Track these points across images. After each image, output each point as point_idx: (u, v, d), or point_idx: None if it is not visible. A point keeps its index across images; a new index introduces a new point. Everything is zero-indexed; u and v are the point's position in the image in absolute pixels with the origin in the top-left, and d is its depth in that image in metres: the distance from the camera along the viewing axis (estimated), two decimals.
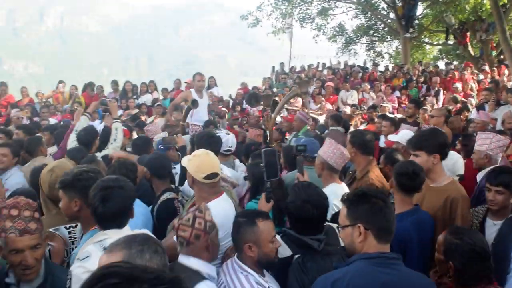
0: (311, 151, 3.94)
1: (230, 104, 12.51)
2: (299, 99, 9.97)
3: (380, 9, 22.47)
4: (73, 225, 2.95)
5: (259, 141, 6.06)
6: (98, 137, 5.08)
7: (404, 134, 4.80)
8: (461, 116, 8.51)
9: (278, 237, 2.60)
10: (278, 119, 8.26)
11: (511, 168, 3.45)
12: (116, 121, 5.19)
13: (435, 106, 10.50)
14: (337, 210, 3.08)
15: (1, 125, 8.42)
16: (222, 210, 2.73)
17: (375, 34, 24.75)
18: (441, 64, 22.49)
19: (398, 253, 2.12)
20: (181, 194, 3.34)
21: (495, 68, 15.98)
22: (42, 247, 2.27)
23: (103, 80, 13.68)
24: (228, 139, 4.51)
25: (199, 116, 7.15)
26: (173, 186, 3.72)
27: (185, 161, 2.93)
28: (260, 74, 18.02)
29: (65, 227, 2.94)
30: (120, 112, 10.18)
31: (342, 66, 17.56)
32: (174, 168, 4.18)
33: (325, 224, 2.68)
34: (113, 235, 2.27)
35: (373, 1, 22.44)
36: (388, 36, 24.56)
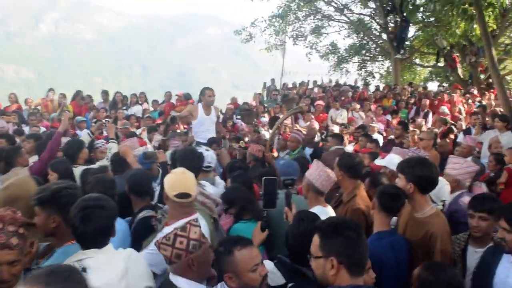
0: (286, 173, 3.95)
1: (221, 119, 12.49)
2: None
3: (372, 29, 22.74)
4: None
5: (260, 157, 6.03)
6: (84, 149, 5.03)
7: (391, 159, 4.78)
8: (447, 139, 8.59)
9: (269, 263, 2.57)
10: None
11: (493, 195, 3.48)
12: (112, 141, 5.20)
13: (424, 128, 10.57)
14: None
15: None
16: None
17: (367, 53, 25.00)
18: (432, 86, 22.82)
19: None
20: (161, 211, 3.29)
21: (485, 92, 16.25)
22: (20, 264, 2.19)
23: (96, 89, 13.64)
24: (208, 155, 4.48)
25: (204, 134, 6.94)
26: (152, 203, 3.65)
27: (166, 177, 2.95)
28: (252, 88, 18.09)
29: None
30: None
31: (333, 84, 17.69)
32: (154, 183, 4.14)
33: None
34: (93, 255, 2.29)
35: (365, 22, 22.75)
36: (380, 56, 24.82)
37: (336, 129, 9.26)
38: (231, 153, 7.42)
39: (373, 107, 12.45)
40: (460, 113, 12.53)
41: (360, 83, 20.35)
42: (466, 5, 8.70)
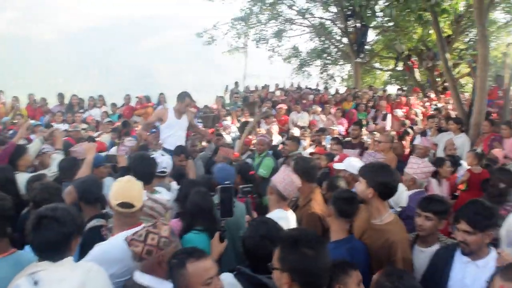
0: (221, 178, 3.96)
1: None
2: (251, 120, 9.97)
3: (333, 33, 23.06)
4: None
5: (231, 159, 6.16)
6: (26, 156, 4.84)
7: (350, 162, 4.80)
8: (404, 141, 8.77)
9: (228, 275, 2.48)
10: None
11: (443, 197, 3.54)
12: (57, 152, 5.04)
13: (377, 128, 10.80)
14: None
15: None
16: (123, 243, 2.50)
17: (328, 57, 25.31)
18: (392, 89, 23.35)
19: None
20: (112, 220, 3.17)
21: (441, 95, 16.78)
22: None
23: (55, 91, 13.17)
24: (163, 161, 4.39)
25: (171, 139, 6.36)
26: (103, 211, 3.50)
27: None
28: (216, 91, 17.93)
29: None
30: (66, 126, 9.83)
31: (295, 88, 17.83)
32: None
33: None
34: (46, 267, 2.16)
35: (327, 26, 23.05)
36: (341, 60, 25.21)
37: (296, 132, 9.31)
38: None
39: (333, 110, 12.60)
40: (416, 115, 12.86)
41: (321, 87, 20.61)
42: (422, 11, 8.93)
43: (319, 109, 12.72)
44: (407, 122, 11.36)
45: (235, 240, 3.42)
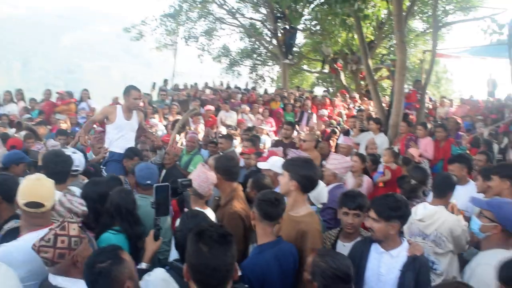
0: (142, 177, 3.91)
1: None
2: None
3: (263, 34, 23.33)
4: None
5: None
6: None
7: (275, 161, 4.79)
8: (331, 141, 9.08)
9: (160, 270, 2.45)
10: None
11: (360, 192, 3.69)
12: None
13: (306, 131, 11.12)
14: None
15: None
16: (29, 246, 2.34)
17: (258, 57, 25.56)
18: (319, 91, 24.07)
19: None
20: None
21: (364, 98, 17.53)
22: None
23: None
24: (75, 159, 4.17)
25: (119, 142, 5.54)
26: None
27: None
28: (145, 89, 17.48)
29: None
30: None
31: (225, 87, 17.84)
32: None
33: None
34: None
35: (257, 27, 23.28)
36: (270, 61, 25.52)
37: (223, 130, 9.33)
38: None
39: (260, 109, 12.76)
40: (340, 116, 13.37)
41: (251, 86, 20.79)
42: (346, 16, 9.27)
43: (248, 108, 12.83)
44: (334, 122, 11.78)
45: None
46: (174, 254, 2.82)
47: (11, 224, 2.98)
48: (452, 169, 4.90)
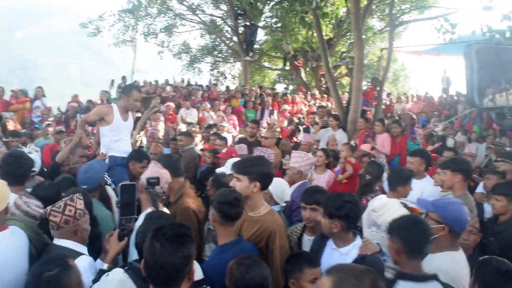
0: (78, 180, 3.73)
1: (63, 118, 11.52)
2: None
3: (224, 31, 23.26)
4: None
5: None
6: None
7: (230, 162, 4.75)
8: (295, 137, 9.17)
9: (118, 271, 2.40)
10: None
11: (322, 188, 3.75)
12: None
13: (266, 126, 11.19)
14: None
15: None
16: None
17: (219, 54, 25.49)
18: (280, 88, 24.23)
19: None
20: None
21: (323, 95, 17.77)
22: None
23: None
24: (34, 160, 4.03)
25: (117, 144, 5.14)
26: None
27: None
28: (104, 86, 17.14)
29: None
30: None
31: (186, 84, 17.70)
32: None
33: None
34: None
35: (217, 23, 23.19)
36: (231, 58, 25.48)
37: (183, 128, 9.25)
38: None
39: (222, 106, 12.73)
40: (301, 112, 13.52)
41: (212, 83, 20.71)
42: (305, 14, 9.35)
43: (209, 105, 12.78)
44: (296, 119, 11.89)
45: None
46: (134, 255, 2.77)
47: None
48: (412, 161, 5.04)
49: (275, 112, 13.43)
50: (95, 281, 2.50)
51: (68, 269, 2.14)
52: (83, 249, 2.66)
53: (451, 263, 2.68)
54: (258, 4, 15.43)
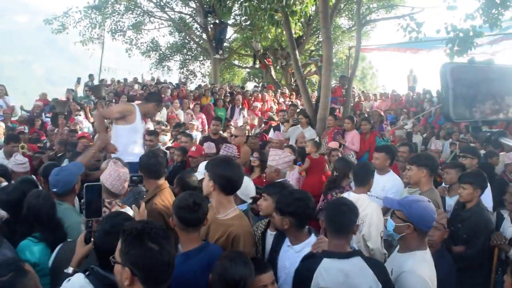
0: (49, 183, 3.53)
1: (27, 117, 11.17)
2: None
3: (193, 29, 23.08)
4: None
5: None
6: None
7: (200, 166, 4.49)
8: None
9: (79, 277, 2.28)
10: None
11: (284, 183, 3.75)
12: None
13: (239, 125, 11.16)
14: None
15: None
16: None
17: (188, 52, 25.27)
18: (250, 86, 24.23)
19: None
20: None
21: (293, 92, 17.88)
22: None
23: None
24: None
25: (133, 147, 4.89)
26: None
27: None
28: (70, 84, 16.75)
29: None
30: None
31: (155, 82, 17.48)
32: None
33: None
34: None
35: (187, 21, 22.99)
36: (201, 56, 25.32)
37: (151, 126, 9.13)
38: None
39: (191, 105, 12.64)
40: (271, 110, 13.56)
41: (181, 81, 20.54)
42: (274, 12, 9.35)
43: (178, 104, 12.66)
44: (268, 116, 11.90)
45: None
46: None
47: None
48: (378, 157, 5.18)
49: (246, 110, 13.42)
50: (57, 286, 2.41)
51: (23, 274, 2.02)
52: None
53: (420, 263, 2.66)
54: (227, 1, 15.38)
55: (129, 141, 4.89)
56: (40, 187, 3.99)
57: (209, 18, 19.78)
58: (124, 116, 4.90)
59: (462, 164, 5.42)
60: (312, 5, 10.28)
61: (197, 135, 9.56)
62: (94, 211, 2.67)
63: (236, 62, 26.72)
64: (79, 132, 8.76)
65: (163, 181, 3.76)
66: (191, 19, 22.92)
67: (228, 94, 14.83)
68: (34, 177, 4.29)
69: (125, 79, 17.34)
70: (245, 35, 20.65)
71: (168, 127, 9.94)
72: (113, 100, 12.56)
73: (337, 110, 10.57)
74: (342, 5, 19.83)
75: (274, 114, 12.90)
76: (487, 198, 4.75)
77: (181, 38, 24.39)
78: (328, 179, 5.27)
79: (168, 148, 7.68)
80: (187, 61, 25.68)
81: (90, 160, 4.57)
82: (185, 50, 24.97)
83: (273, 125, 10.31)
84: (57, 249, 2.88)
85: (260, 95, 15.35)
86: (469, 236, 4.04)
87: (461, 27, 8.29)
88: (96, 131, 5.43)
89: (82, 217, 3.23)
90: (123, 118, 4.89)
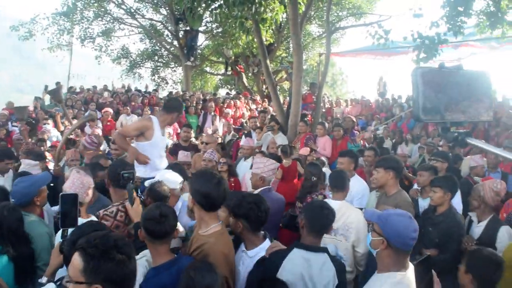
0: (12, 194, 3.40)
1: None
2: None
3: (164, 36, 22.95)
4: None
5: None
6: None
7: (164, 175, 4.15)
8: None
9: (51, 285, 2.27)
10: None
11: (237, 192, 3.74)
12: None
13: (210, 132, 11.13)
14: None
15: None
16: None
17: (159, 59, 25.10)
18: (223, 93, 24.22)
19: None
20: None
21: (265, 99, 17.95)
22: None
23: None
24: None
25: (154, 162, 4.71)
26: None
27: None
28: (38, 92, 16.39)
29: None
30: None
31: (125, 90, 17.30)
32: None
33: None
34: None
35: (158, 28, 22.84)
36: (172, 63, 25.18)
37: None
38: None
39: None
40: (243, 117, 13.59)
41: (152, 89, 20.36)
42: (244, 19, 9.39)
43: (149, 111, 12.55)
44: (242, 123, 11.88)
45: None
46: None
47: None
48: (342, 161, 5.32)
49: (218, 117, 13.40)
50: None
51: None
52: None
53: (394, 286, 2.36)
54: (198, 9, 15.35)
55: (153, 156, 4.73)
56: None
57: (180, 25, 19.71)
58: (142, 132, 4.74)
59: (434, 167, 5.55)
60: (283, 13, 10.36)
61: (169, 142, 9.48)
62: (70, 221, 2.62)
63: (208, 69, 26.68)
64: (46, 141, 8.59)
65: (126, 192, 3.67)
66: (162, 26, 22.78)
67: (201, 101, 14.78)
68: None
69: (94, 87, 17.07)
70: (216, 42, 20.65)
71: None
72: (82, 108, 12.35)
73: (309, 116, 10.66)
74: (313, 13, 20.08)
75: (247, 121, 12.95)
76: (457, 202, 4.89)
77: (152, 45, 24.23)
78: (303, 183, 5.28)
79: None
80: (159, 68, 25.49)
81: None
82: (156, 57, 24.81)
83: (245, 132, 10.32)
84: None
85: (232, 101, 15.36)
86: (442, 241, 4.10)
87: (426, 35, 8.54)
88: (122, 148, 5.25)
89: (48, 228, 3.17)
90: (142, 135, 4.75)
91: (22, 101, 15.65)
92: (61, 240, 2.60)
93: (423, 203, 5.13)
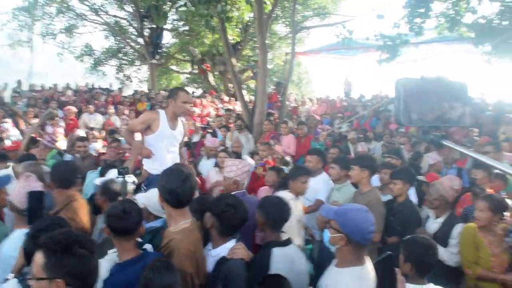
0: None
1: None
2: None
3: (129, 33, 22.59)
4: None
5: None
6: None
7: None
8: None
9: (12, 282, 2.24)
10: None
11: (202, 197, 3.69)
12: None
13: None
14: None
15: None
16: None
17: (124, 57, 24.68)
18: (189, 91, 24.02)
19: None
20: None
21: (231, 98, 17.94)
22: None
23: None
24: None
25: (160, 155, 4.55)
26: None
27: None
28: None
29: None
30: None
31: (89, 88, 16.95)
32: None
33: None
34: None
35: (122, 25, 22.47)
36: (137, 61, 24.81)
37: (82, 133, 8.88)
38: None
39: (126, 111, 12.37)
40: (209, 115, 13.55)
41: (117, 87, 20.03)
42: (210, 17, 9.37)
43: (112, 110, 12.35)
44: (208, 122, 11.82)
45: None
46: None
47: None
48: (310, 159, 5.41)
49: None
50: None
51: None
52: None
53: (357, 281, 2.41)
54: (164, 6, 15.20)
55: (157, 149, 4.56)
56: None
57: (145, 23, 19.45)
58: (148, 125, 4.58)
59: (395, 165, 5.75)
60: (249, 12, 10.40)
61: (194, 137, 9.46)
62: (37, 218, 2.59)
63: (174, 67, 26.42)
64: (5, 141, 8.33)
65: (73, 192, 3.60)
66: (127, 23, 22.41)
67: (165, 100, 14.60)
68: None
69: (55, 85, 16.63)
70: (182, 40, 20.48)
71: (104, 134, 9.68)
72: (43, 107, 12.03)
73: (275, 115, 10.73)
74: (280, 12, 20.20)
75: (213, 120, 12.92)
76: (412, 193, 5.19)
77: (117, 42, 23.79)
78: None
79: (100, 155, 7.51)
80: (123, 66, 25.04)
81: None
82: (120, 55, 24.35)
83: (210, 131, 10.31)
84: None
85: (197, 100, 15.27)
86: (403, 228, 4.30)
87: (389, 35, 8.75)
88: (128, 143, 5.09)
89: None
90: (149, 128, 4.58)
91: None
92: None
93: (384, 199, 5.28)
